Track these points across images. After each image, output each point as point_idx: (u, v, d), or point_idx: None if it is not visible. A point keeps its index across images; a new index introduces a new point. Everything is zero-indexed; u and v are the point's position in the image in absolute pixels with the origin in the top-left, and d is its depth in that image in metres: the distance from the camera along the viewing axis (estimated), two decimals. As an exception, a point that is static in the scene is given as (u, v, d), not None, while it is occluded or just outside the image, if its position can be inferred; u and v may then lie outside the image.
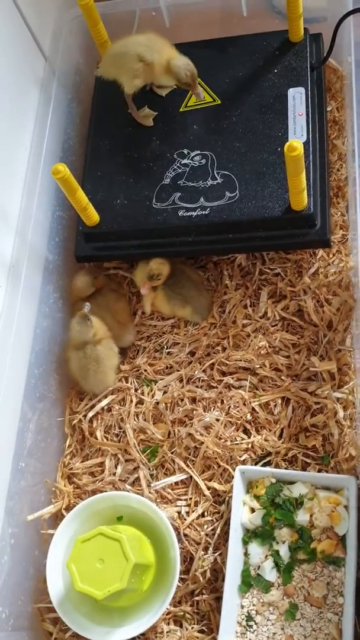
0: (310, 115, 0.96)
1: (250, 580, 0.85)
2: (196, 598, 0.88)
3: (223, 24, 1.07)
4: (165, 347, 1.02)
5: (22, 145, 0.99)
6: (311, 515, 0.85)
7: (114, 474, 0.95)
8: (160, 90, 1.03)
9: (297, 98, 0.97)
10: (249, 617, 0.84)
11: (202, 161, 0.97)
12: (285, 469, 0.90)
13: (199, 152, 0.98)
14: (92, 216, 0.96)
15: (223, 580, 0.84)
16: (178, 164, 0.98)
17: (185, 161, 0.98)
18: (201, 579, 0.87)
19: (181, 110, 1.02)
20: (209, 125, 0.99)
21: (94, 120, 1.06)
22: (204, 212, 0.94)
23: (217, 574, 0.88)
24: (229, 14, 1.06)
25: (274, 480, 0.87)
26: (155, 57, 0.94)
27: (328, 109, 1.06)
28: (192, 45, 1.05)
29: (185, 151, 0.98)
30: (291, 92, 0.98)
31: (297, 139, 0.93)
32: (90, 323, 0.96)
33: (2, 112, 0.95)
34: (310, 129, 0.95)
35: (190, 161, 0.98)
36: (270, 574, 0.85)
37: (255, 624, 0.83)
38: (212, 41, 1.05)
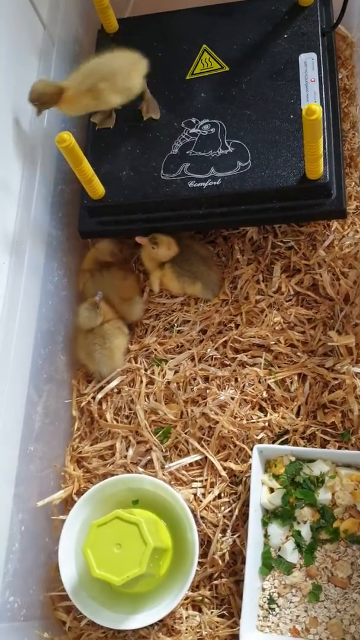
0: (323, 81, 0.92)
1: (271, 562, 0.82)
2: (215, 582, 0.85)
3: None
4: (176, 325, 0.98)
5: (22, 115, 0.95)
6: (333, 494, 0.82)
7: (126, 457, 0.92)
8: (98, 119, 0.98)
9: (308, 64, 0.94)
10: (271, 600, 0.81)
11: (211, 130, 0.93)
12: (304, 447, 0.87)
13: (207, 120, 0.94)
14: (97, 189, 0.92)
15: (243, 562, 0.81)
16: (186, 134, 0.94)
17: (193, 130, 0.94)
18: (220, 562, 0.85)
19: (188, 77, 0.98)
20: (218, 93, 0.95)
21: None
22: (215, 183, 0.90)
23: (236, 556, 0.85)
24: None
25: (293, 459, 0.85)
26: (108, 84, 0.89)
27: (339, 76, 1.03)
28: (197, 11, 1.01)
29: (194, 120, 0.95)
30: (302, 57, 0.94)
31: (311, 105, 0.90)
32: (99, 311, 0.95)
33: (2, 81, 0.90)
34: (324, 95, 0.91)
35: (199, 130, 0.94)
36: (292, 555, 0.82)
37: (278, 606, 0.81)
38: (218, 6, 1.01)
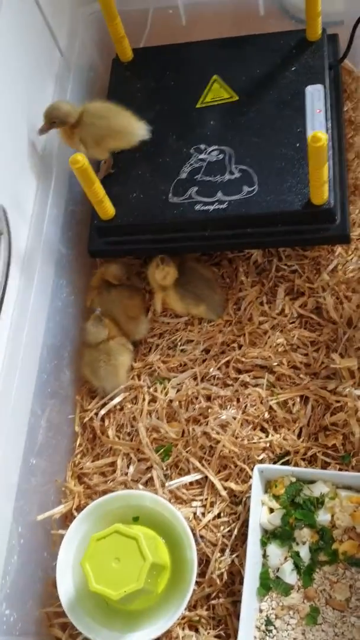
0: (328, 112, 0.95)
1: (269, 583, 0.82)
2: (212, 602, 0.84)
3: (239, 23, 1.07)
4: (179, 344, 1.00)
5: (37, 138, 0.98)
6: (332, 515, 0.82)
7: (126, 474, 0.92)
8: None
9: (315, 95, 0.97)
10: (269, 622, 0.80)
11: (219, 156, 0.96)
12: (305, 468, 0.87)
13: (216, 147, 0.97)
14: (107, 209, 0.94)
15: (241, 583, 0.81)
16: (195, 159, 0.97)
17: (202, 156, 0.97)
18: (218, 581, 0.84)
19: (198, 106, 1.01)
20: (226, 120, 0.99)
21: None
22: (221, 206, 0.92)
23: (234, 576, 0.85)
24: (245, 13, 1.06)
25: (293, 479, 0.85)
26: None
27: (344, 108, 1.06)
28: (209, 43, 1.05)
29: (202, 146, 0.97)
30: (309, 89, 0.97)
31: (317, 134, 0.93)
32: (104, 324, 0.97)
33: (19, 104, 0.93)
34: (329, 126, 0.94)
35: (208, 156, 0.97)
36: (290, 576, 0.82)
37: (275, 628, 0.80)
38: (229, 39, 1.05)
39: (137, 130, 0.96)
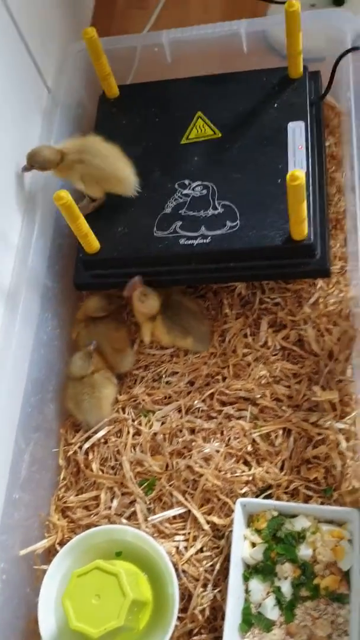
0: (310, 148, 0.97)
1: (251, 619, 0.82)
2: (194, 638, 0.84)
3: (224, 60, 1.09)
4: (164, 376, 1.00)
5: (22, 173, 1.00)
6: (314, 550, 0.82)
7: (110, 508, 0.92)
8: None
9: (297, 131, 0.99)
10: (250, 659, 0.80)
11: (203, 191, 0.98)
12: (287, 501, 0.88)
13: (200, 182, 0.99)
14: (92, 243, 0.96)
15: (223, 618, 0.81)
16: (179, 194, 0.98)
17: (186, 191, 0.98)
18: (200, 617, 0.84)
19: (182, 142, 1.03)
20: (210, 157, 1.00)
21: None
22: (205, 241, 0.94)
23: (217, 612, 0.84)
24: (230, 50, 1.09)
25: (275, 514, 0.85)
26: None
27: (326, 144, 1.08)
28: (193, 80, 1.08)
29: (187, 182, 0.99)
30: (291, 125, 0.99)
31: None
32: (91, 360, 0.98)
33: (5, 139, 0.95)
34: (310, 162, 0.96)
35: (192, 191, 0.98)
36: (272, 612, 0.81)
37: (257, 666, 0.80)
38: (213, 76, 1.07)
39: (133, 184, 0.97)
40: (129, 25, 1.31)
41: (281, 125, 1.00)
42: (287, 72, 1.03)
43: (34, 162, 0.95)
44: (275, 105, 1.02)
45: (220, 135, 1.02)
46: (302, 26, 0.94)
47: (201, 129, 1.03)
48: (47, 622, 0.83)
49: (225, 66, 1.08)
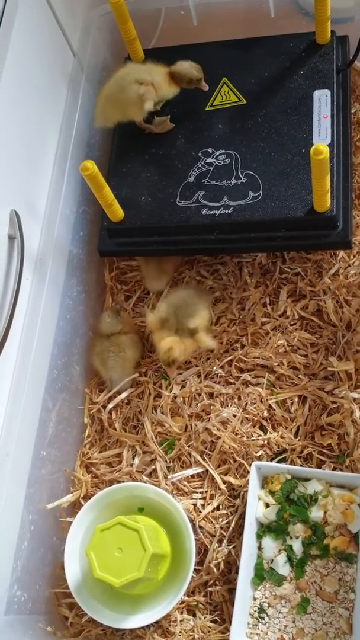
0: (334, 118, 0.96)
1: (263, 574, 0.87)
2: (209, 589, 0.90)
3: (250, 24, 1.07)
4: (185, 342, 1.03)
5: (49, 140, 1.01)
6: (325, 512, 0.87)
7: (132, 465, 0.97)
8: (159, 127, 1.03)
9: (322, 100, 0.98)
10: (261, 609, 0.86)
11: (226, 160, 0.98)
12: (301, 466, 0.92)
13: (223, 151, 0.99)
14: (117, 212, 0.98)
15: (236, 572, 0.86)
16: (202, 163, 0.99)
17: (209, 160, 0.99)
18: (215, 570, 0.89)
19: (207, 109, 1.03)
20: (234, 124, 1.00)
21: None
22: (227, 211, 0.95)
23: (231, 566, 0.90)
24: (256, 14, 1.07)
25: (289, 477, 0.89)
26: (152, 76, 0.98)
27: (352, 110, 1.07)
28: (219, 45, 1.06)
29: (210, 150, 1.00)
30: (316, 94, 0.99)
31: (321, 141, 0.94)
32: (120, 318, 1.01)
33: (32, 106, 0.96)
34: (335, 132, 0.96)
35: (215, 160, 0.99)
36: (283, 568, 0.86)
37: (267, 616, 0.85)
38: (239, 41, 1.06)
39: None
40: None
41: (307, 93, 0.99)
42: (314, 38, 1.02)
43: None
44: (302, 72, 1.01)
45: (245, 102, 1.02)
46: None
47: (226, 96, 1.03)
48: (72, 569, 0.89)
49: (252, 30, 1.06)
